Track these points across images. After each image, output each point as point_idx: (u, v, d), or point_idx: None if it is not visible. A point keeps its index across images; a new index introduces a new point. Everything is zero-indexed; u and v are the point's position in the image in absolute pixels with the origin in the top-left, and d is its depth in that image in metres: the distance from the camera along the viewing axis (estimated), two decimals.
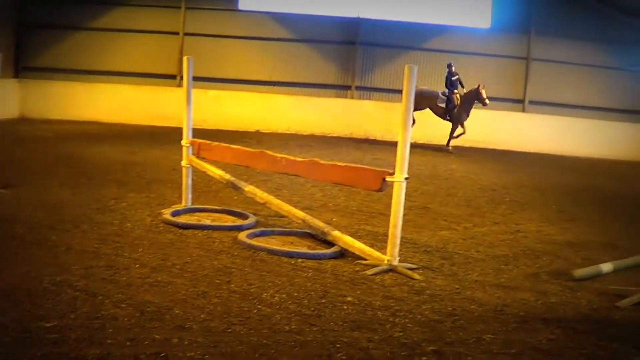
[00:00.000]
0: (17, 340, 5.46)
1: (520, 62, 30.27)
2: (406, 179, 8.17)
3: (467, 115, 25.36)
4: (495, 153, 26.82)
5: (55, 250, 8.28)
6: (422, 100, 25.28)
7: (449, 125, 26.03)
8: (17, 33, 29.79)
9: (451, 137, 25.75)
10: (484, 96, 24.46)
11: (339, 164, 9.24)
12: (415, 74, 8.15)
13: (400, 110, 8.20)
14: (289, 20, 29.80)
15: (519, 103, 30.24)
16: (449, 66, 25.87)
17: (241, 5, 29.87)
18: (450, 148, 25.60)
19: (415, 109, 24.99)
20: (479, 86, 24.67)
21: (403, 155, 8.10)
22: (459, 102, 25.54)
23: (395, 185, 8.16)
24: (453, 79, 25.67)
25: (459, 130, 25.80)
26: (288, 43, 30.07)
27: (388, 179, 8.19)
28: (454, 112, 25.48)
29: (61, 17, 29.79)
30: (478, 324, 6.60)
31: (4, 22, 28.77)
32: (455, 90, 25.70)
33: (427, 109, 26.06)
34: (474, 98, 24.84)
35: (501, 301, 7.43)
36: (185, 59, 11.28)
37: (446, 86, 25.77)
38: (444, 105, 25.70)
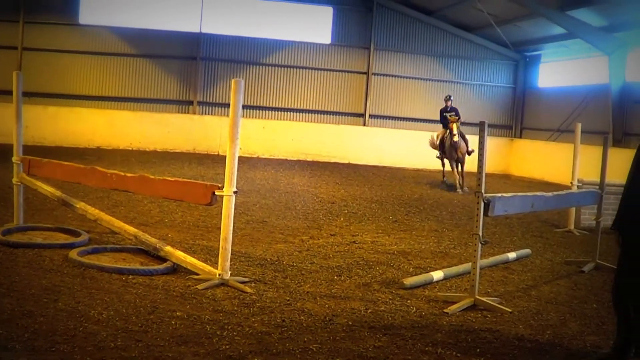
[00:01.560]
0: None
1: (360, 77, 30.95)
2: (235, 192, 8.24)
3: (459, 150, 21.50)
4: (336, 166, 27.31)
5: None
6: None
7: None
8: None
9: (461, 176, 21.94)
10: (454, 132, 21.19)
11: (169, 178, 9.28)
12: (242, 88, 8.27)
13: (229, 125, 8.29)
14: (130, 35, 29.54)
15: (360, 117, 30.91)
16: (446, 100, 22.72)
17: (82, 20, 29.40)
18: (465, 189, 21.40)
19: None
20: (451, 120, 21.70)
21: (231, 169, 8.18)
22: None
23: (225, 199, 8.22)
24: (448, 114, 22.03)
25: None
26: (129, 58, 29.82)
27: (217, 192, 8.25)
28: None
29: None
30: (306, 334, 6.72)
31: None
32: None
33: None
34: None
35: (331, 311, 7.58)
36: (14, 74, 11.01)
37: (442, 125, 22.52)
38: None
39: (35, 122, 26.62)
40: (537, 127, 30.84)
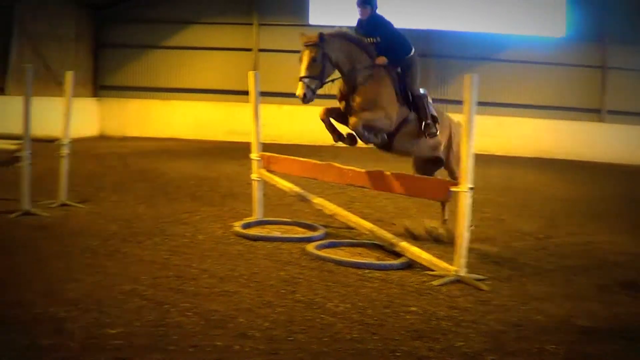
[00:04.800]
0: (83, 345, 5.61)
1: (595, 71, 29.70)
2: (471, 188, 8.12)
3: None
4: (573, 164, 26.37)
5: (126, 262, 8.46)
6: None
7: None
8: (95, 53, 30.71)
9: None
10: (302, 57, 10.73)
11: (405, 174, 9.27)
12: (476, 84, 8.12)
13: (463, 121, 8.21)
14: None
15: (595, 113, 29.64)
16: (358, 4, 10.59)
17: (312, 20, 30.19)
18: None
19: None
20: None
21: (467, 165, 8.07)
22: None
23: (461, 195, 8.11)
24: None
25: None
26: None
27: (453, 189, 8.17)
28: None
29: (137, 36, 30.57)
30: (542, 334, 6.51)
31: (83, 42, 29.59)
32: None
33: None
34: None
35: (568, 312, 7.30)
36: (251, 73, 11.37)
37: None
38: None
39: (271, 120, 27.42)
40: None
